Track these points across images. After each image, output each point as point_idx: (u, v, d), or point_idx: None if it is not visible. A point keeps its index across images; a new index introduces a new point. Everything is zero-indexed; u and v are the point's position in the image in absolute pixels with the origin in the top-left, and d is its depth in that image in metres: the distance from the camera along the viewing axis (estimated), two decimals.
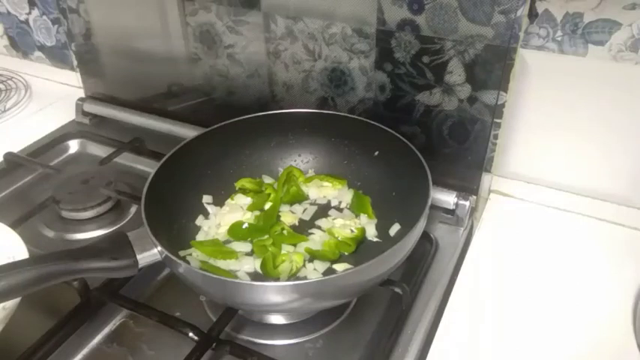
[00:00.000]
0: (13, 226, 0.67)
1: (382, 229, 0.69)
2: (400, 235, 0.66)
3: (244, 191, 0.74)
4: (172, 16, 0.85)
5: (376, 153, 0.73)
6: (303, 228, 0.71)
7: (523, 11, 0.63)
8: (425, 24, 0.68)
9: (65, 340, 0.59)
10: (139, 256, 0.55)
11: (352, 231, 0.68)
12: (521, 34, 0.67)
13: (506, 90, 0.69)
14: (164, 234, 0.58)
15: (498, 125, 0.73)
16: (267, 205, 0.73)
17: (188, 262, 0.60)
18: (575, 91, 0.70)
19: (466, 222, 0.74)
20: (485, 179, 0.77)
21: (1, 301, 0.48)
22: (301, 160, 0.79)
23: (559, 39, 0.68)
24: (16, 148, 0.90)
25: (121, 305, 0.63)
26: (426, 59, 0.70)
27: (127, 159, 0.89)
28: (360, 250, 0.67)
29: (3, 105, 1.05)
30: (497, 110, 0.70)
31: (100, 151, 0.92)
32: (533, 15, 0.68)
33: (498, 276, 0.68)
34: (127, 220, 0.78)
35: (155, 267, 0.57)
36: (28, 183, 0.86)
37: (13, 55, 1.19)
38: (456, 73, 0.69)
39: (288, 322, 0.63)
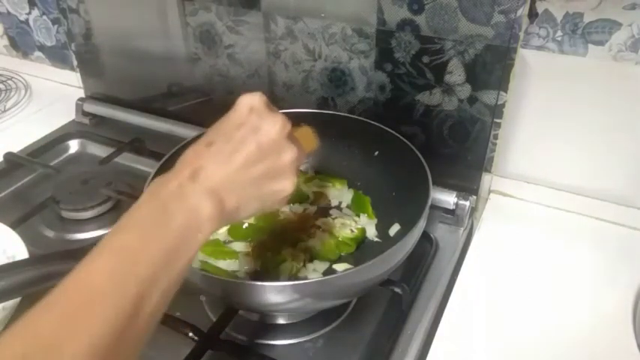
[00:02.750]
0: (13, 226, 0.67)
1: (382, 229, 0.69)
2: (400, 235, 0.66)
3: None
4: (172, 16, 0.85)
5: (376, 153, 0.73)
6: (303, 228, 0.70)
7: (523, 11, 0.63)
8: (425, 24, 0.68)
9: None
10: None
11: (352, 231, 0.68)
12: (521, 34, 0.67)
13: (506, 90, 0.69)
14: None
15: (498, 125, 0.73)
16: None
17: None
18: (575, 91, 0.70)
19: (466, 222, 0.74)
20: (485, 179, 0.77)
21: (1, 301, 0.48)
22: None
23: (559, 39, 0.68)
24: (16, 148, 0.90)
25: None
26: (426, 59, 0.70)
27: (127, 159, 0.89)
28: (360, 250, 0.67)
29: (3, 105, 1.05)
30: (497, 110, 0.70)
31: (100, 151, 0.92)
32: (533, 15, 0.68)
33: (498, 276, 0.68)
34: None
35: None
36: (28, 183, 0.86)
37: (13, 55, 1.19)
38: (456, 73, 0.69)
39: (288, 322, 0.63)
